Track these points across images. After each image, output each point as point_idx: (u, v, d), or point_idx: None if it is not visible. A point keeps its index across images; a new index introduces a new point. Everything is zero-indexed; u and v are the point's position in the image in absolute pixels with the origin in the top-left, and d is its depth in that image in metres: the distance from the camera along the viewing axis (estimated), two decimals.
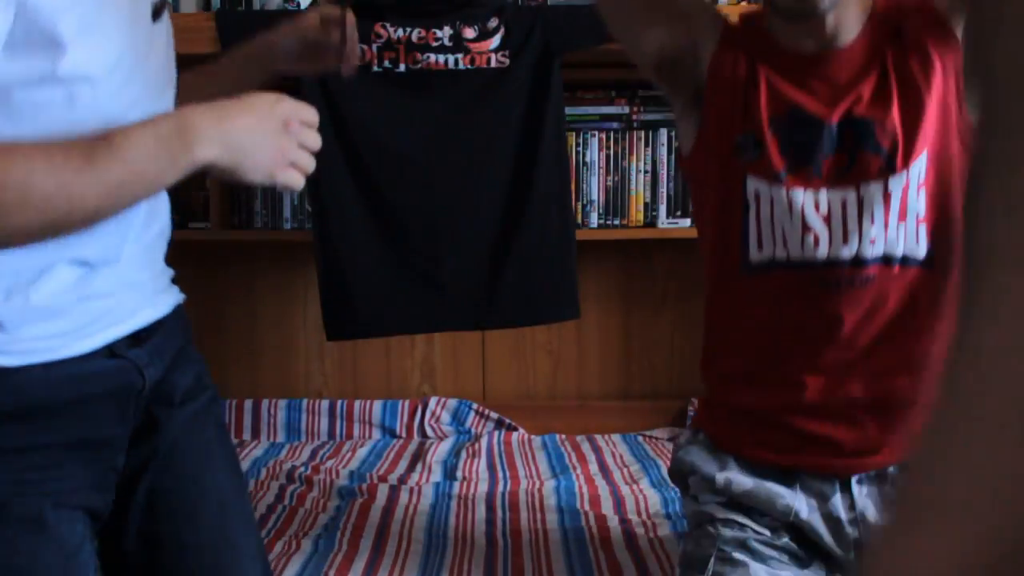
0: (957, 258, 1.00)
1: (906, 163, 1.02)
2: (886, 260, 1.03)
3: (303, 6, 2.18)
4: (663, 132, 2.39)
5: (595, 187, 2.39)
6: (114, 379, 0.94)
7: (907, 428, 1.04)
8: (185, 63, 2.11)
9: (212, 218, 2.31)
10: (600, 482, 2.08)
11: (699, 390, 2.60)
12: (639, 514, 1.88)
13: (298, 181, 0.92)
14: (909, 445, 0.94)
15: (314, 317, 2.48)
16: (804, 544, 1.10)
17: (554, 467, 2.21)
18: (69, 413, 0.90)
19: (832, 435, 1.07)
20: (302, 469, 2.12)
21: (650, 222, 2.39)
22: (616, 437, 2.46)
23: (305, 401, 2.50)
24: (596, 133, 2.39)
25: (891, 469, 1.07)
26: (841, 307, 1.04)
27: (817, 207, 1.03)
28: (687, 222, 2.35)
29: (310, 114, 0.92)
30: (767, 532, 1.10)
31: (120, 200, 0.81)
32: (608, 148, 2.39)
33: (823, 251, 1.04)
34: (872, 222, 1.02)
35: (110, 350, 0.94)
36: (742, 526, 1.10)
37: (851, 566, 1.05)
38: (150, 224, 0.99)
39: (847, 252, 1.03)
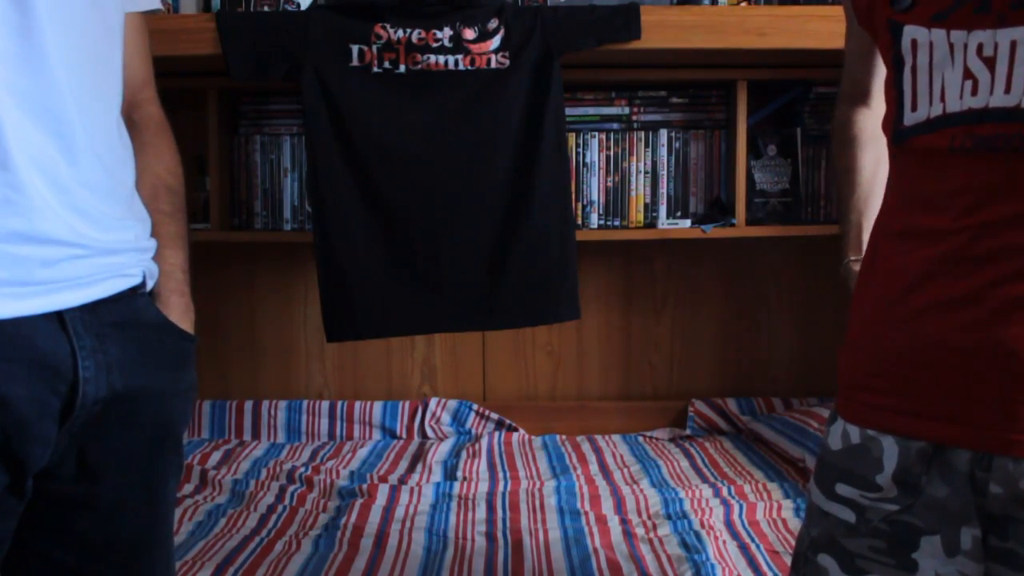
0: None
1: None
2: None
3: (303, 6, 2.18)
4: (663, 133, 2.39)
5: (595, 188, 2.39)
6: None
7: None
8: (186, 63, 2.14)
9: (212, 218, 2.31)
10: (600, 482, 2.08)
11: (699, 390, 2.62)
12: (639, 514, 1.88)
13: None
14: None
15: (314, 317, 2.48)
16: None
17: (554, 467, 2.21)
18: None
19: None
20: (302, 469, 2.13)
21: (650, 223, 2.39)
22: (616, 437, 2.46)
23: (305, 402, 2.50)
24: (596, 134, 2.39)
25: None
26: (993, 175, 0.83)
27: (981, 49, 0.84)
28: (687, 222, 2.35)
29: None
30: (868, 506, 0.91)
31: None
32: (608, 149, 2.39)
33: (981, 99, 0.83)
34: None
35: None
36: (840, 501, 0.94)
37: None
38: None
39: (1008, 101, 0.82)
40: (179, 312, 1.02)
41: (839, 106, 1.16)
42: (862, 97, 1.14)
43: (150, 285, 0.99)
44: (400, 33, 2.04)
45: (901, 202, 0.94)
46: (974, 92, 0.84)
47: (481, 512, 1.90)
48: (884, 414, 0.91)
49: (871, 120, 1.13)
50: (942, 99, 0.86)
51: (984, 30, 0.83)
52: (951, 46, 0.85)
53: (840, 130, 1.15)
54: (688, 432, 2.49)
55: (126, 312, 0.93)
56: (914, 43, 0.88)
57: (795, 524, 1.79)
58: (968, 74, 0.84)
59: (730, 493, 1.98)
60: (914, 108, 0.89)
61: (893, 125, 0.92)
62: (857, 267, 1.07)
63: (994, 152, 0.83)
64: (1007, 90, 0.82)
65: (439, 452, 2.30)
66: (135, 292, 0.95)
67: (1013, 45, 0.82)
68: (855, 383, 0.95)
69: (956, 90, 0.85)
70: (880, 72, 1.09)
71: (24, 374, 0.83)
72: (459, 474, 2.13)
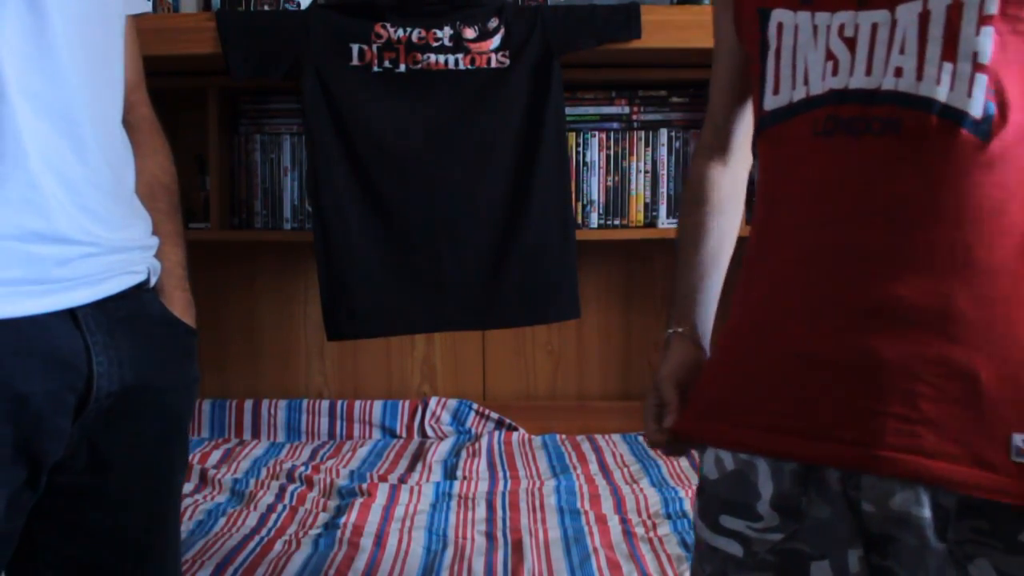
0: None
1: None
2: (917, 104, 0.77)
3: (303, 6, 2.18)
4: (663, 132, 2.39)
5: (595, 187, 2.39)
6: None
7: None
8: (186, 62, 2.14)
9: (212, 218, 2.31)
10: (600, 481, 2.08)
11: None
12: (639, 514, 1.88)
13: None
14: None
15: (314, 317, 2.48)
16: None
17: (554, 467, 2.21)
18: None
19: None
20: (302, 469, 2.13)
21: (650, 222, 2.39)
22: (616, 437, 2.46)
23: (305, 401, 2.50)
24: (596, 133, 2.39)
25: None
26: (851, 162, 0.80)
27: (842, 30, 0.82)
28: None
29: None
30: (755, 538, 0.86)
31: None
32: (608, 148, 2.39)
33: (841, 79, 0.81)
34: (902, 51, 0.78)
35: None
36: (726, 535, 0.88)
37: None
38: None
39: (869, 83, 0.80)
40: (182, 307, 1.04)
41: (696, 158, 1.09)
42: (720, 150, 1.06)
43: (153, 281, 1.00)
44: (400, 32, 2.04)
45: (763, 202, 0.90)
46: (835, 72, 0.82)
47: (481, 511, 1.90)
48: (749, 432, 0.85)
49: (727, 179, 1.06)
50: (805, 82, 0.84)
51: (846, 11, 0.82)
52: (815, 28, 0.84)
53: (693, 186, 1.07)
54: None
55: (133, 308, 0.94)
56: (780, 26, 0.86)
57: None
58: (830, 55, 0.82)
59: None
60: (776, 91, 0.86)
61: (756, 115, 0.89)
62: (679, 341, 1.00)
63: (854, 136, 0.80)
64: (868, 71, 0.80)
65: (439, 451, 2.30)
66: (140, 288, 0.97)
67: (874, 28, 0.80)
68: (715, 399, 0.90)
69: (819, 71, 0.82)
70: (744, 119, 1.04)
71: (41, 371, 0.84)
72: (459, 473, 2.13)
